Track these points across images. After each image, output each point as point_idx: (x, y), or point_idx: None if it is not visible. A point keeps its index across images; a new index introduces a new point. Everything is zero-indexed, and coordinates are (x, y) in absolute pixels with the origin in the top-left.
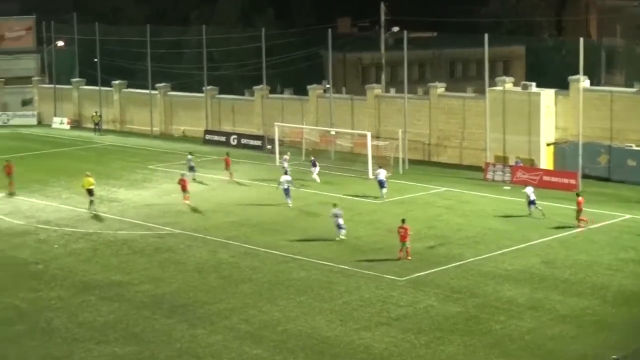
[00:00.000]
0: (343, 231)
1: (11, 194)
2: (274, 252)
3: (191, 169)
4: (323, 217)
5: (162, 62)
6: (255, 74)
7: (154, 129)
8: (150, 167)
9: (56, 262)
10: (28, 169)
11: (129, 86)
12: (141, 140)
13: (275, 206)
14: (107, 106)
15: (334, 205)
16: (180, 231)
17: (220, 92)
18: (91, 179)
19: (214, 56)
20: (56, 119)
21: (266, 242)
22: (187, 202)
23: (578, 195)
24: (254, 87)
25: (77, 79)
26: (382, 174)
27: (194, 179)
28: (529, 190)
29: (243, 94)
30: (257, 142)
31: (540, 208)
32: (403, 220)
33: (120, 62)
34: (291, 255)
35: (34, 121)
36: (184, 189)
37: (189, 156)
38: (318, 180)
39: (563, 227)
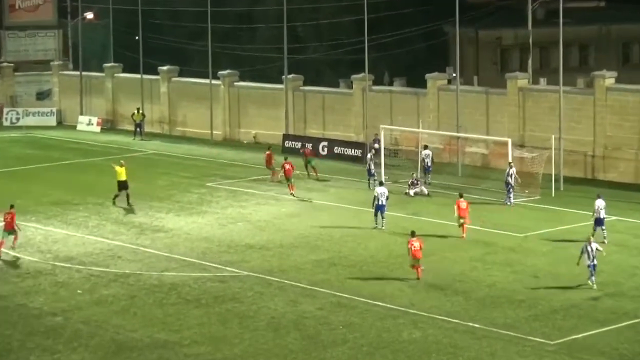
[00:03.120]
0: (593, 278)
1: (279, 182)
2: (377, 303)
3: None
4: (441, 256)
5: (227, 42)
6: (354, 58)
7: (215, 132)
8: (209, 184)
9: (80, 314)
10: (44, 187)
11: (181, 74)
12: (197, 148)
13: (379, 239)
14: (151, 101)
15: (590, 240)
16: (248, 273)
17: (306, 83)
18: (124, 169)
19: (297, 33)
20: (83, 118)
21: (366, 290)
22: (292, 192)
23: (461, 196)
24: (353, 77)
25: (112, 64)
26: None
27: None
28: (600, 204)
29: (337, 86)
30: (357, 152)
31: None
32: (413, 233)
33: (171, 41)
34: (401, 308)
35: (52, 121)
36: (288, 174)
37: None
38: (426, 191)
39: None
